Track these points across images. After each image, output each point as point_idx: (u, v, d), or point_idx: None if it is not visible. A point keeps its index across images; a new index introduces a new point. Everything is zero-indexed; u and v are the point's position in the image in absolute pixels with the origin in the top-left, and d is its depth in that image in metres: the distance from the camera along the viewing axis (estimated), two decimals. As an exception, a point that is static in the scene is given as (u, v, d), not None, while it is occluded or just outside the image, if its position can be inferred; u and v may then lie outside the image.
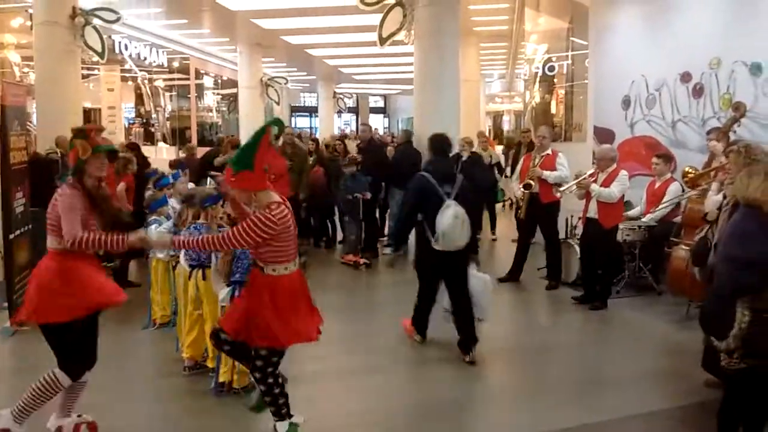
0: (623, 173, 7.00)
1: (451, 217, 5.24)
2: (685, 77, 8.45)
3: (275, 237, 3.65)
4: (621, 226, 7.41)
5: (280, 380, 3.96)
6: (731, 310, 3.44)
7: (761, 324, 3.39)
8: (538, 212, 7.82)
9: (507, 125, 30.32)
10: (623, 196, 6.98)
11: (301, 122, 39.27)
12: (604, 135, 9.58)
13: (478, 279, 5.64)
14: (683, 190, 7.45)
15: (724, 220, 4.90)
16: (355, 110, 40.01)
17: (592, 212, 7.01)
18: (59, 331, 3.77)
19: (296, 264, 3.87)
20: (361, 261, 9.34)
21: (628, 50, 9.40)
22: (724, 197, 5.05)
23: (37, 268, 3.92)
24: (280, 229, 3.64)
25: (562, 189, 7.46)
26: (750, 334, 3.41)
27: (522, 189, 7.88)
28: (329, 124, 29.91)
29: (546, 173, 7.67)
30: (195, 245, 3.80)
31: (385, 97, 42.52)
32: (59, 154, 10.91)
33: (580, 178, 7.14)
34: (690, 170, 7.40)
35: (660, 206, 7.47)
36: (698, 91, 8.28)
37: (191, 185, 8.02)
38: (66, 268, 3.79)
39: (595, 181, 6.98)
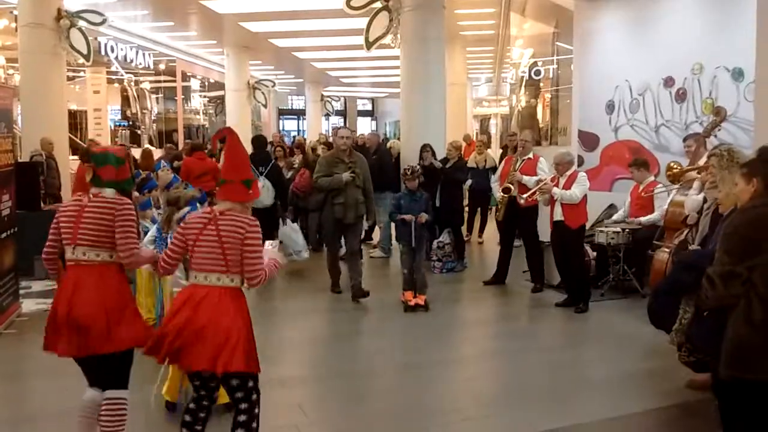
0: (582, 174, 7.21)
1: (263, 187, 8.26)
2: (668, 82, 8.55)
3: None
4: (605, 229, 7.50)
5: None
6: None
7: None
8: (517, 215, 7.89)
9: (494, 129, 30.43)
10: (586, 196, 7.09)
11: (289, 125, 39.24)
12: (588, 139, 9.67)
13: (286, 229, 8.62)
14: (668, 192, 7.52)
15: (706, 224, 4.97)
16: (343, 113, 40.04)
17: (558, 215, 7.12)
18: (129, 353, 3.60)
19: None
20: (422, 301, 7.16)
21: (613, 55, 9.50)
22: (705, 200, 5.13)
23: (99, 289, 3.50)
24: None
25: (524, 196, 7.55)
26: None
27: (501, 193, 7.97)
28: (317, 127, 29.91)
29: (526, 178, 7.75)
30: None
31: (372, 100, 42.58)
32: (44, 156, 10.87)
33: (541, 184, 7.26)
34: (675, 165, 7.46)
35: (656, 210, 7.52)
36: (681, 96, 8.38)
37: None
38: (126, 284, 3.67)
39: (556, 185, 7.11)
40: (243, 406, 3.33)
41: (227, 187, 3.42)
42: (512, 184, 7.85)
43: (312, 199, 7.99)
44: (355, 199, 7.42)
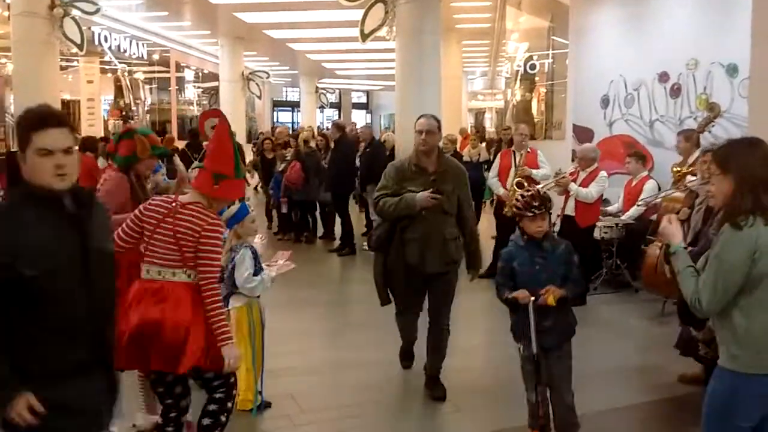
0: (603, 174, 7.10)
1: None
2: (663, 77, 8.56)
3: None
4: (599, 224, 7.50)
5: None
6: None
7: None
8: None
9: (489, 123, 30.43)
10: (601, 195, 7.07)
11: (284, 117, 39.13)
12: (583, 133, 9.67)
13: None
14: (659, 189, 7.55)
15: (698, 219, 4.99)
16: (337, 106, 39.94)
17: (570, 210, 7.10)
18: None
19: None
20: None
21: (608, 50, 9.50)
22: (696, 196, 5.16)
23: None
24: None
25: (540, 186, 7.49)
26: None
27: (515, 188, 7.80)
28: (311, 119, 29.84)
29: (535, 172, 7.68)
30: None
31: (367, 93, 42.49)
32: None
33: (559, 177, 7.20)
34: (676, 169, 7.47)
35: (637, 204, 7.57)
36: (676, 91, 8.39)
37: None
38: None
39: (574, 180, 7.06)
40: (218, 395, 3.24)
41: (199, 174, 3.24)
42: (524, 179, 7.75)
43: (375, 233, 4.90)
44: (441, 234, 4.56)
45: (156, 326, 2.98)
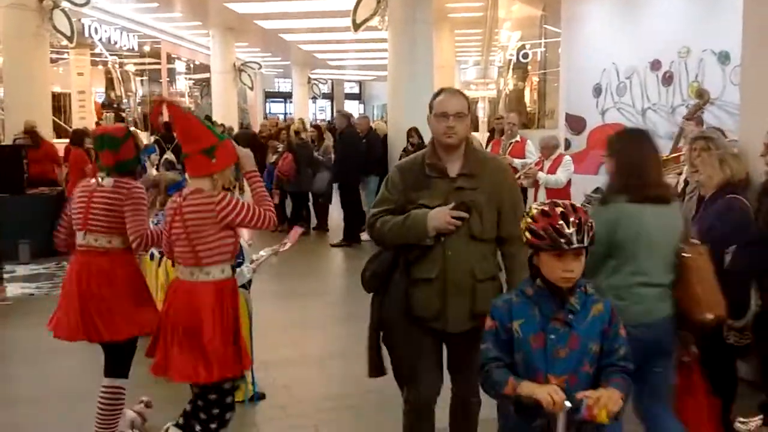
0: (567, 158, 7.23)
1: None
2: (655, 65, 8.55)
3: None
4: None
5: None
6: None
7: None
8: None
9: (482, 112, 30.42)
10: (570, 180, 7.12)
11: (276, 108, 39.02)
12: (575, 122, 9.67)
13: None
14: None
15: (691, 207, 5.01)
16: (330, 96, 39.84)
17: (542, 199, 7.14)
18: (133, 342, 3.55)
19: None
20: None
21: (600, 38, 9.48)
22: (686, 183, 5.16)
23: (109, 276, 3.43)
24: None
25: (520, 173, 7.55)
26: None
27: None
28: (304, 110, 29.75)
29: (516, 161, 7.74)
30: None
31: (360, 83, 42.38)
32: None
33: (526, 168, 7.27)
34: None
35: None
36: (668, 79, 8.39)
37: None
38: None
39: (541, 169, 7.12)
40: (212, 396, 3.16)
41: (188, 162, 3.12)
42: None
43: (370, 268, 3.24)
44: (470, 272, 2.93)
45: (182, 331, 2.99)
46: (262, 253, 4.37)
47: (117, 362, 3.54)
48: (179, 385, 3.31)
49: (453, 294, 2.89)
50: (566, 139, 9.36)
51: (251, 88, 22.97)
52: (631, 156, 3.00)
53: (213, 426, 3.17)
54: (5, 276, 7.23)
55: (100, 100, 20.26)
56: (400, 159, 7.23)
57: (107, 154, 3.46)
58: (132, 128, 4.05)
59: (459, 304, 2.90)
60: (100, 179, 3.47)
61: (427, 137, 9.25)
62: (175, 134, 3.36)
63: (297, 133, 11.36)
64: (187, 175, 3.21)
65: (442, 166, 2.95)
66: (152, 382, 3.56)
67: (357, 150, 10.12)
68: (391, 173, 3.12)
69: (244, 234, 4.20)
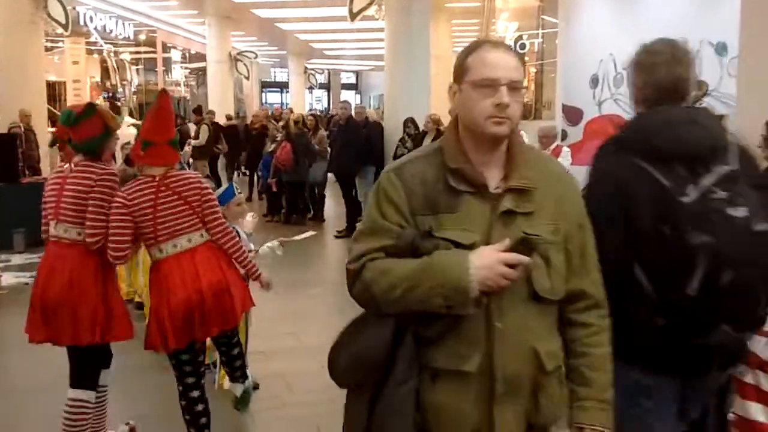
0: (565, 149, 7.29)
1: None
2: (653, 56, 8.55)
3: None
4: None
5: None
6: None
7: None
8: None
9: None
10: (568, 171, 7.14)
11: (272, 98, 38.90)
12: (572, 113, 9.66)
13: None
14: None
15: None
16: (326, 86, 39.71)
17: None
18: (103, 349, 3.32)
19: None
20: None
21: (597, 29, 9.46)
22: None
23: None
24: None
25: None
26: None
27: None
28: (300, 100, 29.66)
29: None
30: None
31: (357, 73, 42.24)
32: (22, 128, 10.69)
33: None
34: None
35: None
36: (665, 71, 8.40)
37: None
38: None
39: None
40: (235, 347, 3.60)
41: (152, 150, 3.11)
42: None
43: (347, 352, 1.97)
44: (533, 359, 1.67)
45: (203, 297, 3.05)
46: (268, 244, 4.36)
47: (80, 370, 3.28)
48: (172, 399, 3.35)
49: (505, 399, 1.67)
50: (563, 130, 9.35)
51: (247, 78, 22.87)
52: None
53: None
54: (0, 265, 7.21)
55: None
56: (396, 150, 7.29)
57: (61, 129, 3.30)
58: (99, 104, 3.78)
59: (513, 414, 1.69)
60: (73, 165, 3.19)
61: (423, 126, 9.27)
62: (146, 121, 3.28)
63: (296, 122, 11.33)
64: (142, 164, 3.25)
65: (478, 175, 1.68)
66: (146, 396, 3.51)
67: (359, 140, 10.13)
68: (384, 182, 1.74)
69: (246, 225, 4.21)
